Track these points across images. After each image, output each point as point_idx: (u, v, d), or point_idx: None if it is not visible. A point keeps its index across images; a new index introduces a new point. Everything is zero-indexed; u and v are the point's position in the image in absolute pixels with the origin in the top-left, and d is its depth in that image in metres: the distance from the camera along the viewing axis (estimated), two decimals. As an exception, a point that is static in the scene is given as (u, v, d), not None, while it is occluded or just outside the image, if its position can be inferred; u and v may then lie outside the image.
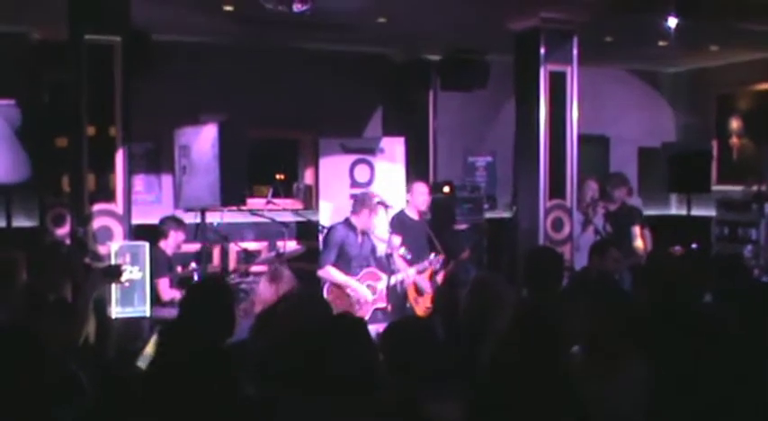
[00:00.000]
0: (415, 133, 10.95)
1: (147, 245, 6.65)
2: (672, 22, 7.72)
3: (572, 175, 8.94)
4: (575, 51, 8.85)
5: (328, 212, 9.87)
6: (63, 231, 8.41)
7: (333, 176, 10.21)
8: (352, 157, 10.35)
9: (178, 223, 8.29)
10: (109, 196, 7.06)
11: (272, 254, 8.59)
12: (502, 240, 10.53)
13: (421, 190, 8.35)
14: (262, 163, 10.53)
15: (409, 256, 7.80)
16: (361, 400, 2.86)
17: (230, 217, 9.30)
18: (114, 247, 6.54)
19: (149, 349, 4.68)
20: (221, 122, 7.28)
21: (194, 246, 8.55)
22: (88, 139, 7.02)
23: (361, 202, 7.58)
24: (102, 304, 5.92)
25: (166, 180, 9.67)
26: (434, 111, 11.23)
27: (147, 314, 6.54)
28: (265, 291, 5.19)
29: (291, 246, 9.22)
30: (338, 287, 7.38)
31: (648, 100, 12.70)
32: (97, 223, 6.95)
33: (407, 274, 7.79)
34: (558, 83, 8.86)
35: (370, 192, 7.94)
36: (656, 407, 3.71)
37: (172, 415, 2.85)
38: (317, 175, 10.65)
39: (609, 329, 3.87)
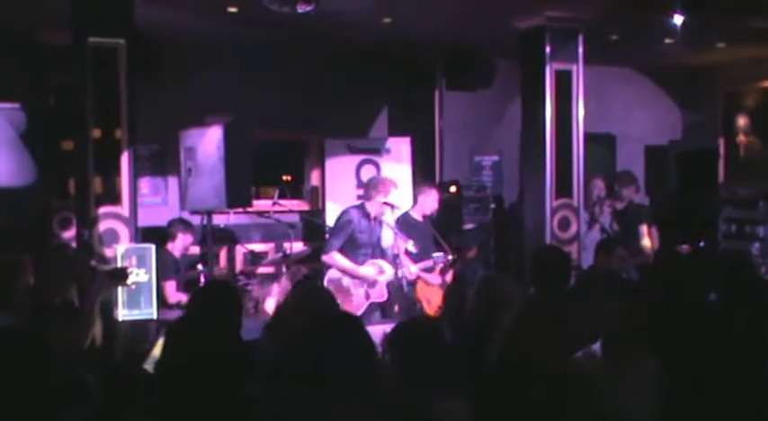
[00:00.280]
0: (421, 133, 10.94)
1: (153, 247, 6.66)
2: (678, 19, 7.68)
3: (578, 174, 8.92)
4: (580, 50, 8.83)
5: (335, 213, 9.85)
6: (69, 234, 8.41)
7: (339, 177, 10.21)
8: (359, 158, 10.36)
9: (186, 225, 8.29)
10: (115, 199, 7.05)
11: (279, 255, 8.59)
12: (509, 240, 10.51)
13: (434, 196, 8.33)
14: (268, 164, 10.53)
15: (415, 251, 7.73)
16: (363, 400, 2.85)
17: (237, 218, 9.32)
18: (120, 250, 6.55)
19: (156, 351, 4.68)
20: (226, 124, 7.29)
21: (201, 248, 8.57)
22: (93, 142, 7.01)
23: (374, 187, 7.44)
24: (109, 307, 5.92)
25: (172, 182, 9.66)
26: (440, 111, 11.21)
27: (154, 316, 6.55)
28: (284, 291, 5.22)
29: (298, 247, 9.22)
30: (336, 281, 7.29)
31: (655, 98, 12.66)
32: (103, 226, 6.95)
33: (410, 271, 7.73)
34: (563, 81, 8.84)
35: (385, 179, 7.76)
36: (666, 407, 3.70)
37: (178, 416, 2.84)
38: (323, 176, 10.64)
39: (625, 329, 3.86)
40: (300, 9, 6.67)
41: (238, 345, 3.78)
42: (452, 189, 10.60)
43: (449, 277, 8.13)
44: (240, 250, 9.81)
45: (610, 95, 11.81)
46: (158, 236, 8.03)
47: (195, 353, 2.93)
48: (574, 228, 8.89)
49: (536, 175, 8.93)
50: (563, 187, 8.87)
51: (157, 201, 9.96)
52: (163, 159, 9.89)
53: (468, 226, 10.68)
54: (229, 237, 9.31)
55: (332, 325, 3.28)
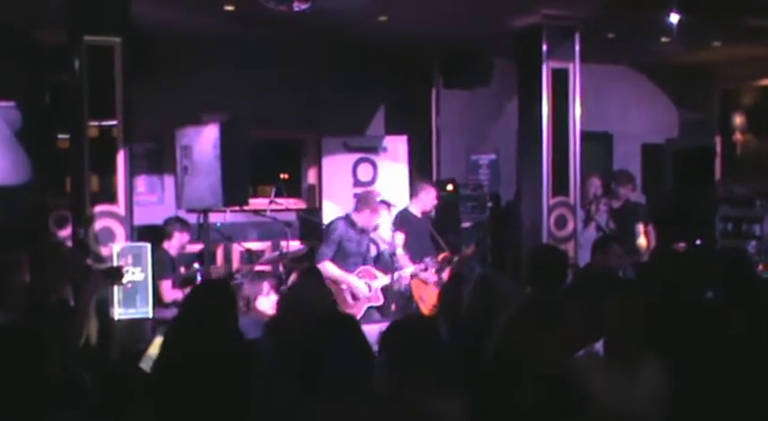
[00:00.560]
0: (417, 132, 10.94)
1: (148, 246, 6.65)
2: (674, 17, 7.69)
3: (575, 173, 8.92)
4: (577, 48, 8.83)
5: (332, 211, 9.86)
6: (65, 233, 8.39)
7: (336, 175, 10.21)
8: (355, 156, 10.37)
9: (182, 224, 8.28)
10: (111, 197, 7.04)
11: (276, 254, 8.59)
12: (506, 238, 10.51)
13: (432, 194, 8.36)
14: (265, 163, 10.52)
15: (407, 256, 7.82)
16: (359, 400, 2.85)
17: (233, 217, 9.30)
18: (116, 249, 6.54)
19: (152, 350, 4.68)
20: (223, 122, 7.27)
21: (197, 247, 8.55)
22: (90, 140, 7.00)
23: (364, 201, 7.67)
24: (105, 305, 5.92)
25: (168, 181, 9.65)
26: (437, 110, 11.21)
27: (150, 315, 6.54)
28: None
29: (295, 245, 9.21)
30: (334, 283, 7.37)
31: (651, 96, 12.66)
32: (99, 224, 6.94)
33: (404, 273, 7.77)
34: (560, 80, 8.85)
35: (374, 191, 7.98)
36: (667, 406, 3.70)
37: (179, 415, 2.84)
38: (320, 175, 10.64)
39: (625, 327, 3.86)
40: (297, 7, 6.66)
41: (237, 344, 3.78)
42: (449, 187, 10.60)
43: (445, 275, 8.13)
44: (237, 249, 9.80)
45: (606, 94, 11.82)
46: (154, 234, 8.02)
47: (195, 353, 2.93)
48: (570, 227, 8.89)
49: (533, 174, 8.93)
50: (560, 185, 8.87)
51: (153, 199, 9.94)
52: (159, 158, 9.87)
53: (465, 224, 10.69)
54: (226, 236, 9.29)
55: (328, 325, 3.28)
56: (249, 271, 8.74)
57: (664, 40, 9.69)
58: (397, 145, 10.49)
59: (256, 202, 9.54)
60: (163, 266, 7.73)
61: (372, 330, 3.70)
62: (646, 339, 3.85)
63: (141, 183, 9.74)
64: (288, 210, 9.76)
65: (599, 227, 8.72)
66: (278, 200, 9.53)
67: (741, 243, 10.61)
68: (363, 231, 7.66)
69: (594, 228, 8.73)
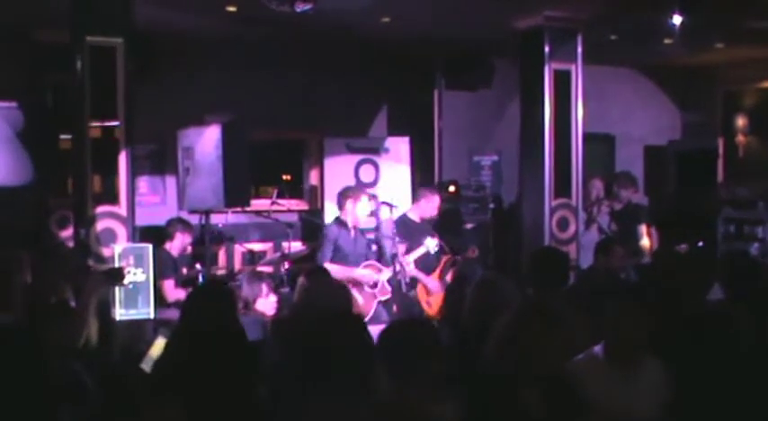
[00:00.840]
0: (420, 133, 10.95)
1: (150, 247, 6.65)
2: (677, 19, 7.68)
3: (577, 174, 8.92)
4: (579, 50, 8.83)
5: (333, 213, 9.85)
6: (67, 233, 8.39)
7: (338, 176, 10.20)
8: (357, 157, 10.36)
9: (184, 225, 8.29)
10: (113, 198, 7.03)
11: (278, 254, 8.58)
12: (508, 240, 10.51)
13: (435, 202, 8.29)
14: (268, 164, 10.52)
15: (404, 249, 7.80)
16: (360, 400, 2.85)
17: (235, 218, 9.30)
18: (118, 249, 6.54)
19: (153, 351, 4.68)
20: (224, 123, 7.27)
21: (199, 248, 8.55)
22: (92, 141, 7.00)
23: (343, 195, 7.68)
24: (106, 306, 5.92)
25: (170, 181, 9.65)
26: (439, 111, 11.21)
27: (152, 316, 6.54)
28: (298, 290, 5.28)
29: (296, 246, 9.21)
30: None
31: (654, 98, 12.66)
32: (101, 225, 6.93)
33: (405, 260, 7.73)
34: (562, 81, 8.84)
35: (348, 188, 7.95)
36: (669, 408, 3.70)
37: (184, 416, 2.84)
38: (322, 176, 10.64)
39: (626, 330, 3.85)
40: (299, 8, 6.66)
41: (242, 344, 3.77)
42: (451, 189, 10.59)
43: (449, 278, 8.13)
44: (239, 249, 9.80)
45: (609, 95, 11.81)
46: (156, 235, 8.03)
47: (199, 354, 2.92)
48: (572, 228, 8.88)
49: (535, 175, 8.92)
50: (562, 187, 8.87)
51: (155, 200, 9.94)
52: (161, 159, 9.88)
53: (468, 225, 10.68)
54: (228, 237, 9.30)
55: (333, 324, 3.27)
56: (248, 271, 8.76)
57: (666, 41, 9.68)
58: (400, 146, 10.49)
59: (258, 203, 9.54)
60: (164, 267, 7.73)
61: (374, 331, 3.69)
62: (646, 342, 3.84)
63: (143, 183, 9.74)
64: (290, 211, 9.76)
65: (601, 229, 8.72)
66: (280, 201, 9.53)
67: (743, 245, 10.60)
68: (356, 228, 7.63)
69: (596, 230, 8.72)
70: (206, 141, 7.33)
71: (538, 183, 8.87)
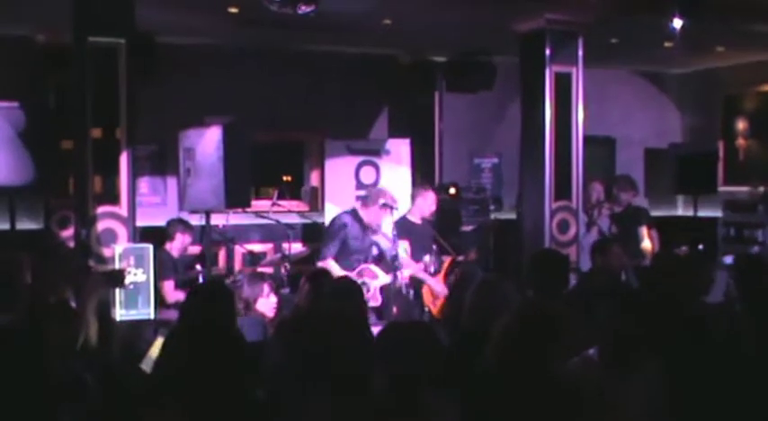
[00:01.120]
0: (420, 135, 10.95)
1: (151, 247, 6.67)
2: (677, 23, 7.68)
3: (578, 177, 8.92)
4: (580, 52, 8.83)
5: (334, 214, 9.85)
6: (68, 233, 8.41)
7: (338, 178, 10.21)
8: (358, 159, 10.37)
9: (185, 226, 8.30)
10: (114, 198, 7.05)
11: (278, 256, 8.59)
12: (508, 242, 10.51)
13: (431, 198, 8.27)
14: (268, 165, 10.54)
15: (408, 254, 7.78)
16: (359, 401, 2.85)
17: (236, 219, 9.32)
18: (118, 250, 6.55)
19: (153, 351, 4.69)
20: (225, 125, 7.28)
21: (199, 248, 8.56)
22: (93, 142, 7.02)
23: (374, 198, 7.56)
24: (106, 307, 5.92)
25: (171, 182, 9.66)
26: (440, 113, 11.22)
27: (152, 316, 6.56)
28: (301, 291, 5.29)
29: (297, 247, 9.22)
30: None
31: (654, 101, 12.68)
32: (102, 225, 6.95)
33: (404, 274, 7.73)
34: (563, 84, 8.85)
35: (384, 189, 7.88)
36: (666, 412, 3.69)
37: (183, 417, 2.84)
38: (322, 177, 10.65)
39: (622, 333, 3.85)
40: (301, 10, 6.67)
41: (241, 345, 3.78)
42: (452, 191, 10.60)
43: (451, 279, 8.14)
44: (239, 250, 9.81)
45: (609, 98, 11.83)
46: (157, 236, 8.04)
47: (198, 355, 2.93)
48: (573, 231, 8.89)
49: (535, 178, 8.93)
50: (562, 189, 8.87)
51: (156, 201, 9.96)
52: (162, 159, 9.89)
53: (468, 227, 10.68)
54: (228, 238, 9.31)
55: (335, 324, 3.28)
56: (249, 272, 8.77)
57: (667, 44, 9.69)
58: (400, 148, 10.50)
59: (259, 204, 9.55)
60: (165, 267, 7.75)
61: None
62: (643, 344, 3.84)
63: (144, 184, 9.76)
64: (290, 212, 9.77)
65: (601, 231, 8.72)
66: (280, 202, 9.53)
67: (743, 248, 10.60)
68: (367, 228, 7.60)
69: (597, 233, 8.72)
70: (207, 142, 7.33)
71: (538, 186, 8.88)
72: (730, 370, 3.81)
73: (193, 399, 2.78)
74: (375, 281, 7.53)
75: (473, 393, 3.21)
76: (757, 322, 4.28)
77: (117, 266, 6.48)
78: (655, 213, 9.83)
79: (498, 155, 11.58)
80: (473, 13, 8.45)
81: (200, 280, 8.02)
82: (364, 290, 7.41)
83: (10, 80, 8.62)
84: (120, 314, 6.41)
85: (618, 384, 3.74)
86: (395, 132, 11.00)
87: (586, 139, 9.10)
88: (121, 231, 7.02)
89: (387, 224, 7.93)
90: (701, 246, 8.81)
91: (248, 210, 8.43)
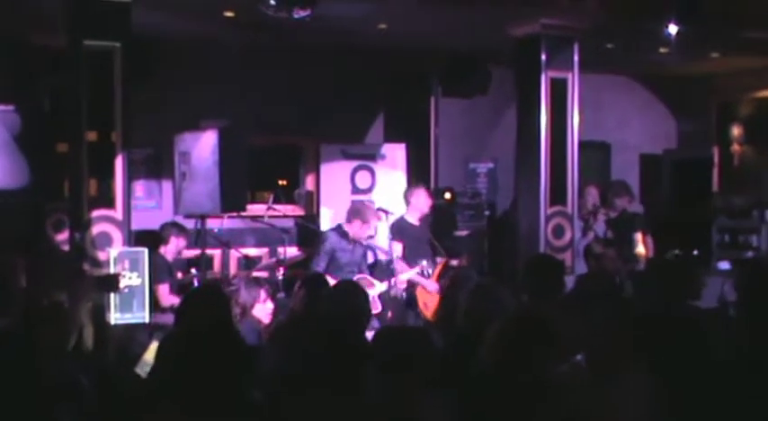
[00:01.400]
0: (416, 140, 10.95)
1: (146, 251, 6.66)
2: (673, 29, 7.71)
3: (573, 182, 8.93)
4: (575, 58, 8.84)
5: (329, 218, 9.86)
6: (63, 237, 8.39)
7: (334, 182, 10.21)
8: (354, 163, 10.37)
9: (179, 229, 8.29)
10: (109, 202, 7.04)
11: (273, 260, 8.59)
12: (503, 247, 10.52)
13: (424, 196, 8.29)
14: (264, 169, 10.53)
15: (401, 254, 7.80)
16: (352, 404, 2.86)
17: (231, 223, 9.31)
18: (113, 253, 6.54)
19: (148, 355, 4.68)
20: (221, 129, 7.28)
21: (194, 252, 8.55)
22: (88, 145, 7.01)
23: (355, 213, 7.69)
24: (101, 310, 5.92)
25: (166, 186, 9.66)
26: (436, 118, 11.22)
27: (147, 320, 6.55)
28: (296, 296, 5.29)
29: (292, 252, 9.21)
30: None
31: (649, 107, 12.69)
32: (96, 229, 6.94)
33: (401, 279, 7.74)
34: (558, 89, 8.86)
35: (366, 203, 7.96)
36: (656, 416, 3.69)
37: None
38: (318, 181, 10.65)
39: (610, 339, 3.85)
40: (297, 14, 6.68)
41: (239, 345, 3.78)
42: (447, 196, 10.61)
43: (444, 283, 8.12)
44: (234, 254, 9.80)
45: (605, 104, 11.85)
46: (152, 239, 8.02)
47: (195, 357, 2.92)
48: (568, 236, 8.89)
49: (531, 183, 8.93)
50: (557, 195, 8.88)
51: (151, 204, 9.94)
52: (157, 163, 9.88)
53: (463, 232, 10.69)
54: (223, 242, 9.30)
55: (329, 325, 3.28)
56: (245, 276, 8.76)
57: (662, 50, 9.72)
58: (396, 153, 10.50)
59: (254, 208, 9.55)
60: (159, 271, 7.73)
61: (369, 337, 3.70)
62: (629, 349, 3.83)
63: (139, 188, 9.74)
64: (285, 216, 9.77)
65: (597, 236, 8.73)
66: (276, 206, 9.53)
67: (738, 254, 10.62)
68: (356, 241, 7.65)
69: (593, 238, 8.73)
70: (203, 146, 7.33)
71: (533, 191, 8.88)
72: (723, 375, 3.81)
73: (191, 402, 2.78)
74: (372, 289, 7.55)
75: (468, 395, 3.21)
76: (756, 325, 4.27)
77: (112, 270, 6.47)
78: (649, 218, 9.83)
79: (494, 160, 11.59)
80: (469, 18, 8.46)
81: (195, 283, 8.00)
82: None
83: (5, 83, 8.60)
84: (115, 317, 6.40)
85: (605, 389, 3.73)
86: (390, 137, 11.01)
87: (581, 145, 9.10)
88: (116, 235, 7.01)
89: (381, 229, 7.97)
90: (695, 252, 8.82)
91: (243, 214, 8.43)
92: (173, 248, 8.21)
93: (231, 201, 7.39)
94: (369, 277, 7.68)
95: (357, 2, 7.95)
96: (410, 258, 7.95)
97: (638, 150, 12.49)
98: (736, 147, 11.95)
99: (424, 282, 7.96)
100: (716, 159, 11.89)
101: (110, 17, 6.98)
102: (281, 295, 7.72)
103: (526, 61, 8.95)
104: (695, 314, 4.85)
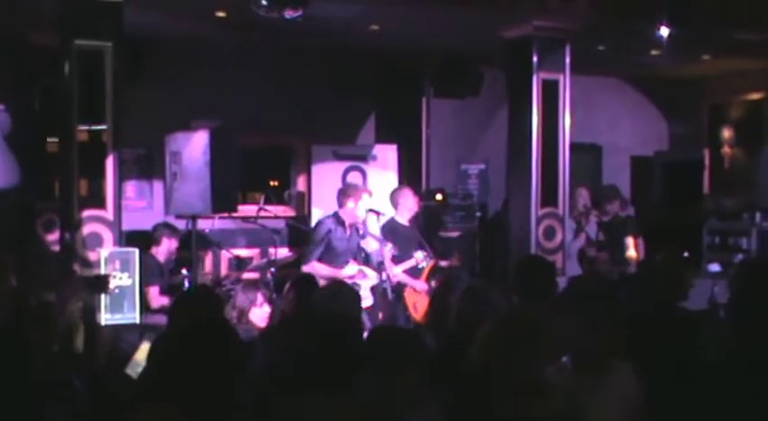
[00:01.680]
0: (407, 141, 10.95)
1: (136, 251, 6.64)
2: (664, 31, 7.73)
3: (564, 184, 8.94)
4: (567, 60, 8.86)
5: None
6: (53, 237, 8.37)
7: (325, 183, 10.20)
8: (345, 164, 10.37)
9: (171, 230, 8.25)
10: (99, 202, 7.03)
11: (264, 261, 8.57)
12: (494, 248, 10.53)
13: (411, 195, 8.26)
14: (255, 170, 10.52)
15: (396, 253, 7.76)
16: (345, 404, 2.86)
17: (222, 223, 9.29)
18: (104, 254, 6.52)
19: (138, 356, 4.67)
20: (212, 129, 7.27)
21: (185, 253, 8.52)
22: (79, 145, 6.99)
23: (343, 194, 7.62)
24: (91, 311, 5.89)
25: (157, 186, 9.64)
26: (427, 119, 11.23)
27: (137, 321, 6.53)
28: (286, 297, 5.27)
29: (283, 252, 9.19)
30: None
31: (641, 109, 12.72)
32: (87, 229, 6.92)
33: (392, 272, 7.71)
34: (550, 91, 8.87)
35: (350, 185, 7.91)
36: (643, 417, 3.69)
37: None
38: (309, 182, 10.64)
39: (599, 343, 3.84)
40: (288, 15, 6.67)
41: (233, 341, 3.77)
42: (438, 197, 10.61)
43: (434, 284, 8.11)
44: (225, 255, 9.78)
45: (596, 105, 11.87)
46: (143, 240, 8.00)
47: (188, 357, 2.92)
48: (559, 237, 8.90)
49: (522, 184, 8.94)
50: (548, 196, 8.89)
51: (142, 204, 9.93)
52: (148, 163, 9.86)
53: (454, 234, 10.69)
54: (214, 242, 9.28)
55: (325, 326, 3.27)
56: (241, 279, 8.74)
57: (653, 52, 9.74)
58: (387, 154, 10.50)
59: (245, 209, 9.53)
60: (150, 272, 7.70)
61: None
62: (615, 349, 3.83)
63: (130, 188, 9.73)
64: (277, 217, 9.75)
65: (589, 238, 8.73)
66: (267, 207, 9.52)
67: (728, 256, 10.64)
68: (352, 227, 7.59)
69: (585, 240, 8.74)
70: (194, 146, 7.32)
71: (525, 192, 8.89)
72: (713, 375, 3.82)
73: (183, 403, 2.78)
74: (366, 281, 7.54)
75: (459, 397, 3.21)
76: (750, 326, 4.27)
77: (102, 271, 6.45)
78: (640, 221, 9.85)
79: (485, 161, 11.59)
80: (461, 19, 8.47)
81: (186, 285, 7.97)
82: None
83: (-3, 83, 8.59)
84: (105, 318, 6.38)
85: (589, 390, 3.73)
86: (382, 138, 11.01)
87: (573, 146, 9.12)
88: (107, 235, 6.99)
89: (373, 225, 7.94)
90: (686, 254, 8.82)
91: (235, 214, 8.41)
92: (164, 249, 8.18)
93: (222, 201, 7.38)
94: (364, 268, 7.64)
95: (348, 3, 7.95)
96: (402, 258, 7.94)
97: (629, 152, 12.52)
98: (726, 150, 11.98)
99: (412, 283, 7.94)
100: (707, 161, 11.93)
101: (101, 17, 6.97)
102: (275, 298, 7.69)
103: (518, 63, 8.97)
104: (685, 315, 4.86)
